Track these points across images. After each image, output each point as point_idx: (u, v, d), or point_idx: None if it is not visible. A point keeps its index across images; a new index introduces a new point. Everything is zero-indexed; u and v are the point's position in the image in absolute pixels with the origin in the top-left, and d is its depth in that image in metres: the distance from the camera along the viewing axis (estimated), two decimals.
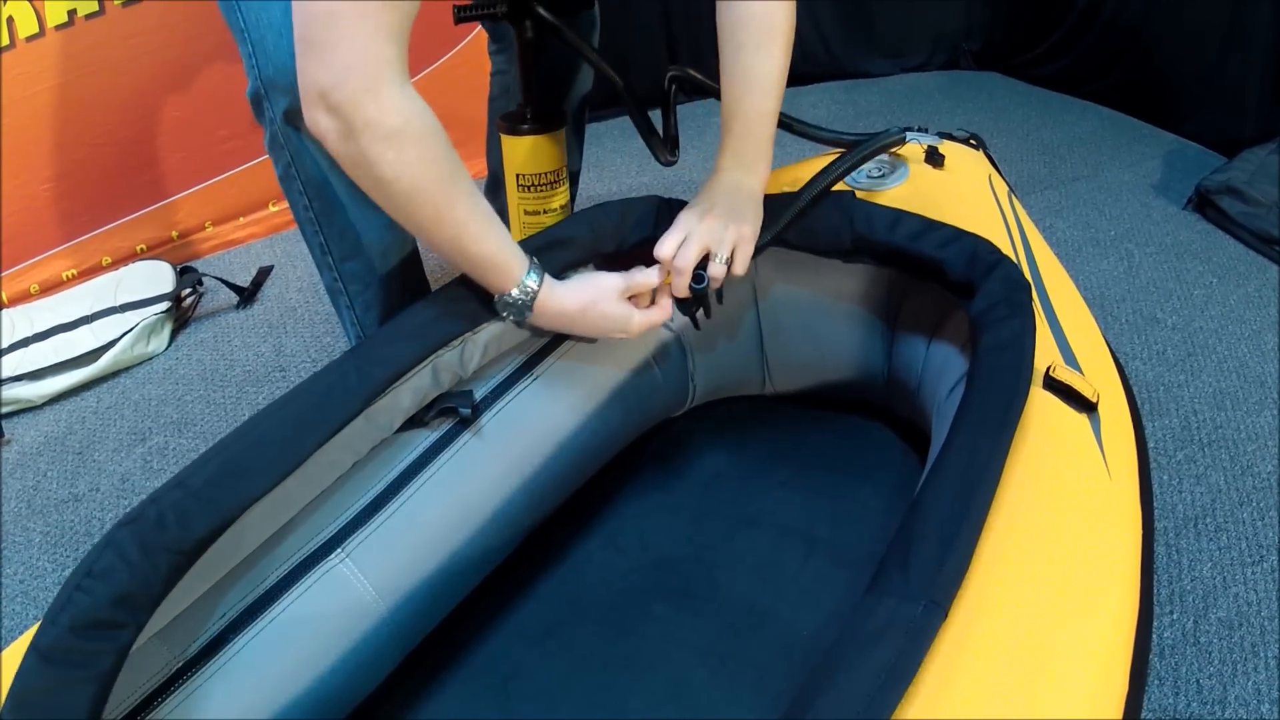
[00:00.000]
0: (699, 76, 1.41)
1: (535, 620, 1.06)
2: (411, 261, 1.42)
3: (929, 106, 3.03)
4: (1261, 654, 1.17)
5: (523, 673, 1.00)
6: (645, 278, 1.05)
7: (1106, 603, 0.75)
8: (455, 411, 1.00)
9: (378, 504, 0.95)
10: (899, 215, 1.07)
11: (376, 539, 0.93)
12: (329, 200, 1.26)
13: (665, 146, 1.37)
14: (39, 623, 0.69)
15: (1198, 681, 1.12)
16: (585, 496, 1.19)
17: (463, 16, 1.42)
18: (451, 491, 0.98)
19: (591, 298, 1.04)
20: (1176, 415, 1.58)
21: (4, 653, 0.73)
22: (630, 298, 1.06)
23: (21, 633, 0.82)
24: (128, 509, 1.35)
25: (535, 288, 0.99)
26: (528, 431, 1.06)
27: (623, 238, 1.12)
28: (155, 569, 0.72)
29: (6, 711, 0.64)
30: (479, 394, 1.03)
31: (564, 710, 0.96)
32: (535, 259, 1.00)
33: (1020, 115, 2.97)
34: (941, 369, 1.11)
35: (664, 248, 1.06)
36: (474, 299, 0.99)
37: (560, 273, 1.06)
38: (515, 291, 0.98)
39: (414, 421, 0.99)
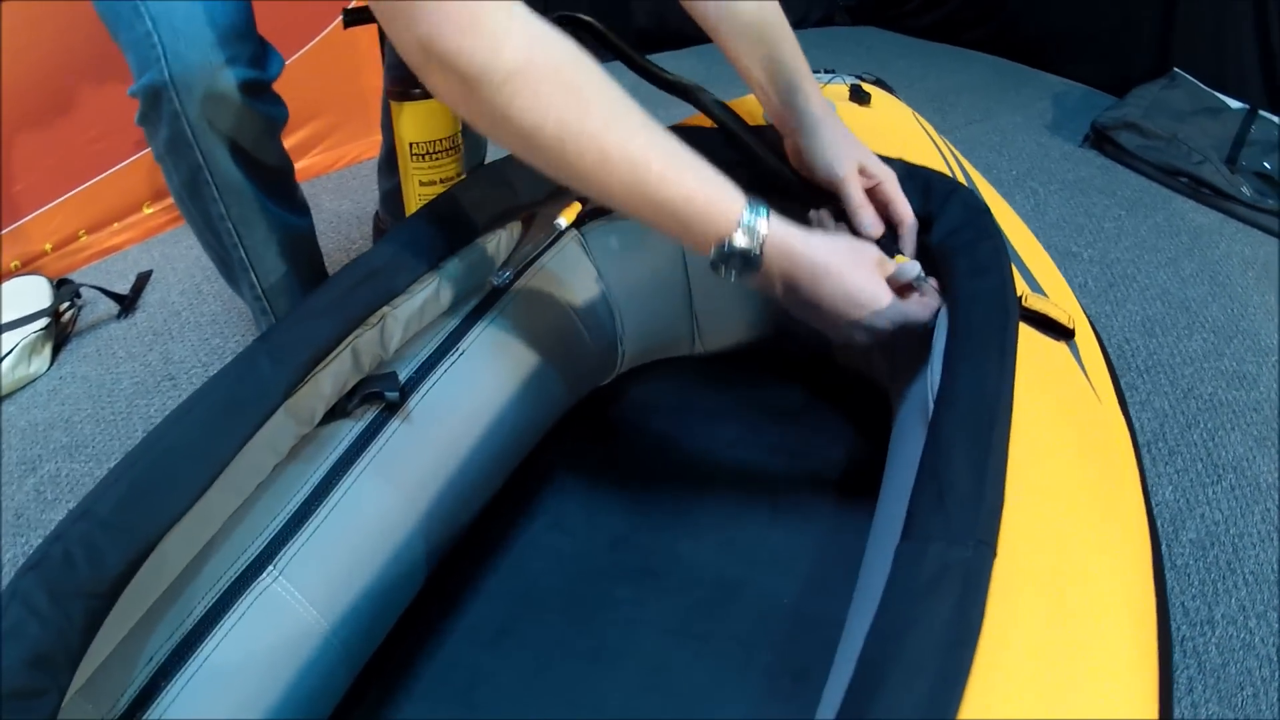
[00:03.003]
0: (596, 24, 1.30)
1: (487, 619, 0.96)
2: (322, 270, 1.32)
3: (810, 62, 2.98)
4: (1238, 570, 1.15)
5: (483, 679, 0.90)
6: (911, 264, 0.83)
7: (1126, 522, 0.72)
8: (381, 397, 0.89)
9: (306, 510, 0.83)
10: None
11: (310, 550, 0.82)
12: (248, 204, 1.12)
13: None
14: None
15: (1182, 604, 1.10)
16: (519, 478, 1.09)
17: (354, 20, 1.29)
18: (386, 486, 0.88)
19: (847, 256, 0.81)
20: (1110, 344, 1.56)
21: None
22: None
23: None
24: (25, 546, 1.22)
25: (765, 229, 0.76)
26: (460, 412, 0.97)
27: (537, 187, 1.04)
28: (70, 619, 0.60)
29: None
30: (403, 375, 0.93)
31: (536, 712, 0.87)
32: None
33: (903, 66, 2.96)
34: None
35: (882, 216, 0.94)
36: (389, 270, 0.89)
37: (481, 227, 0.98)
38: (740, 236, 0.75)
39: (335, 412, 0.88)
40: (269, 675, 0.77)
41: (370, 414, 0.90)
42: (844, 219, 0.97)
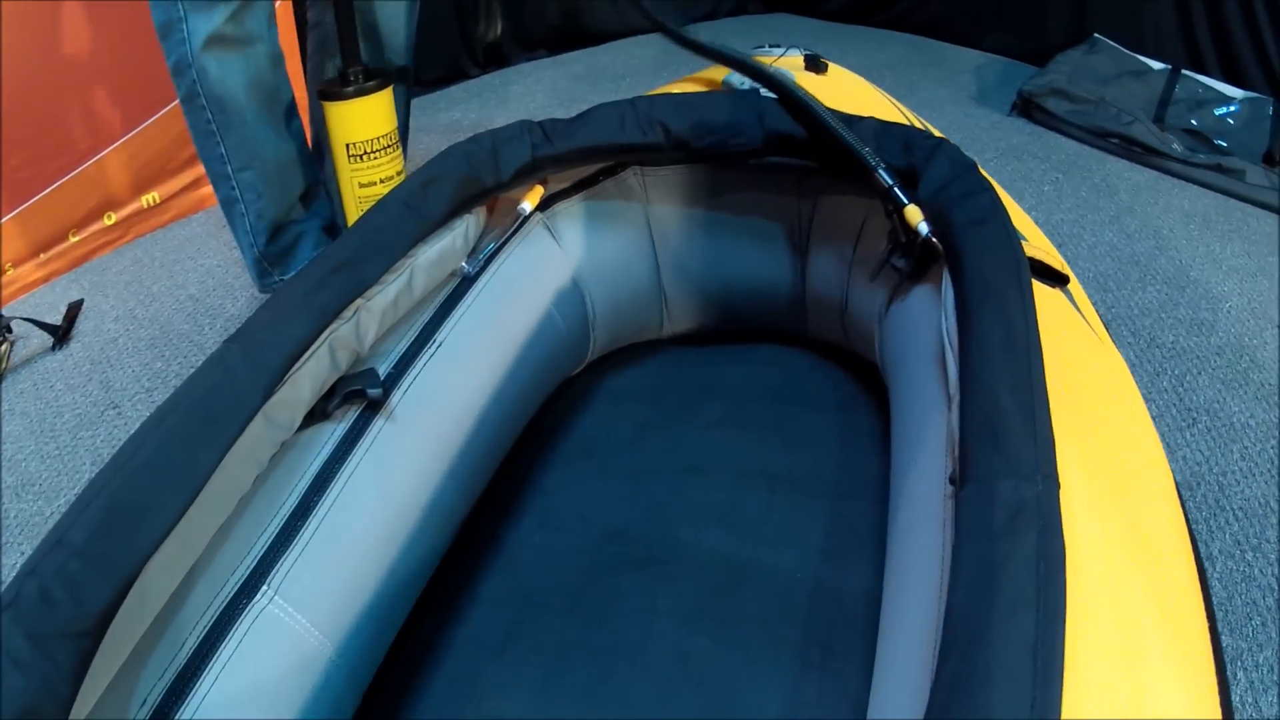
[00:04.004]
0: None
1: (489, 627, 0.91)
2: (301, 177, 1.58)
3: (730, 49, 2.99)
4: (1227, 507, 1.16)
5: (496, 689, 0.84)
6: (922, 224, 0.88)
7: (1148, 449, 0.72)
8: (363, 395, 0.84)
9: (295, 521, 0.77)
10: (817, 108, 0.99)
11: (304, 564, 0.75)
12: (230, 115, 1.43)
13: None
14: None
15: None
16: (500, 475, 1.04)
17: None
18: (377, 489, 0.83)
19: None
20: None
21: None
22: None
23: None
24: None
25: None
26: (443, 406, 0.92)
27: (499, 169, 0.99)
28: (56, 663, 0.54)
29: None
30: (382, 371, 0.88)
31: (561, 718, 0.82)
32: None
33: (820, 48, 2.90)
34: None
35: None
36: (359, 260, 0.84)
37: (445, 214, 0.94)
38: None
39: (314, 415, 0.83)
40: (275, 705, 0.71)
41: (352, 414, 0.85)
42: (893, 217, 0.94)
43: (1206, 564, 1.07)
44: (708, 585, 0.91)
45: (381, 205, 0.91)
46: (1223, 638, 0.99)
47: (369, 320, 0.86)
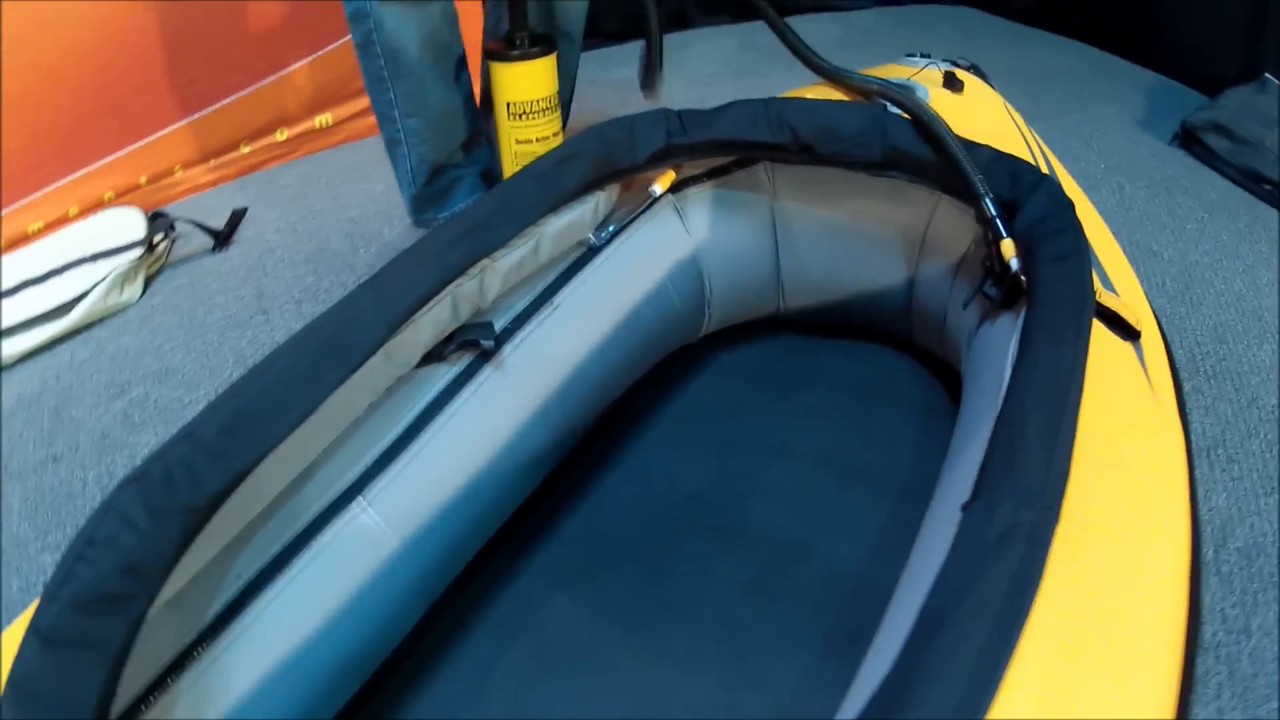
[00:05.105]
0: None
1: (563, 562, 1.01)
2: (464, 127, 1.65)
3: (904, 39, 2.96)
4: None
5: (555, 619, 0.95)
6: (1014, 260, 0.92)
7: (1172, 511, 0.75)
8: (476, 344, 0.94)
9: (398, 446, 0.89)
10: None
11: (399, 484, 0.87)
12: (401, 64, 1.50)
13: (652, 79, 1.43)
14: (37, 601, 0.62)
15: (1222, 611, 1.10)
16: (603, 431, 1.15)
17: None
18: (475, 429, 0.93)
19: None
20: (1181, 347, 1.56)
21: (2, 634, 0.66)
22: None
23: (15, 612, 0.73)
24: (110, 465, 1.29)
25: None
26: (551, 362, 1.01)
27: (634, 153, 1.08)
28: (166, 532, 0.65)
29: (6, 701, 0.56)
30: (499, 325, 0.98)
31: (604, 656, 0.91)
32: None
33: (998, 49, 2.92)
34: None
35: None
36: (490, 224, 0.94)
37: (577, 190, 1.03)
38: None
39: (431, 356, 0.93)
40: (350, 597, 0.83)
41: (465, 360, 0.96)
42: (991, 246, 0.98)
43: (1243, 637, 1.08)
44: (764, 559, 0.99)
45: (518, 177, 1.00)
46: (1235, 713, 1.01)
47: (493, 278, 0.96)
